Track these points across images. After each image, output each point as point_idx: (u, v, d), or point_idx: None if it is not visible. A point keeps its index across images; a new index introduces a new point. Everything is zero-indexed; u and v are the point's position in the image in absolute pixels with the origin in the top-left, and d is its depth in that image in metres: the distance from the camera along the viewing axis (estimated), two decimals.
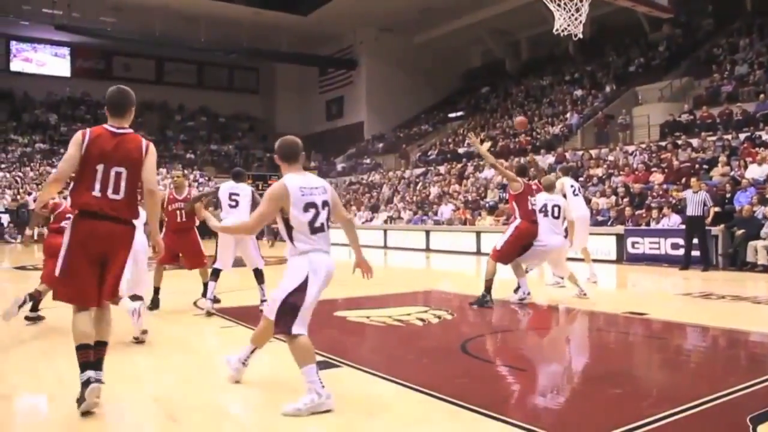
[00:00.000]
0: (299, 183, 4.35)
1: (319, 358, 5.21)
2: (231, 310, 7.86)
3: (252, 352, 4.74)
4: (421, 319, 7.22)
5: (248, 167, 40.99)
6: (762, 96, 20.13)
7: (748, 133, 18.44)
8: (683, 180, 16.48)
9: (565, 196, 10.69)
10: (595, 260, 15.09)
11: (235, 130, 45.80)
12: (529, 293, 8.63)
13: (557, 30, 7.78)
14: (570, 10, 7.65)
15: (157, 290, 8.19)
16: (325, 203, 4.39)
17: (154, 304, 8.09)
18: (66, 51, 43.04)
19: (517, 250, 8.47)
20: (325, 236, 4.40)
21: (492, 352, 6.13)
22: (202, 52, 40.65)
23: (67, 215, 6.88)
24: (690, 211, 13.43)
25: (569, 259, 12.38)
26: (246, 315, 7.35)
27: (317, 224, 4.33)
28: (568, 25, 7.67)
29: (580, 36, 7.97)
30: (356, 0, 34.46)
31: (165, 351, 5.90)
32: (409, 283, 11.59)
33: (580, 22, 7.73)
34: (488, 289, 8.31)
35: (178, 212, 8.30)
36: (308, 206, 4.31)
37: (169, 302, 8.36)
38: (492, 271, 8.39)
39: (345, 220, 4.78)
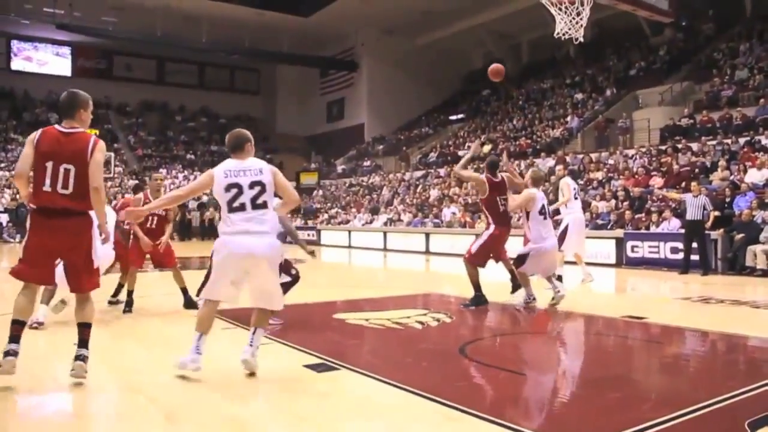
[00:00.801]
0: (226, 166, 4.82)
1: (317, 361, 5.24)
2: (231, 312, 7.84)
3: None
4: (420, 322, 7.21)
5: None
6: (762, 101, 20.15)
7: (748, 138, 18.47)
8: (683, 184, 16.49)
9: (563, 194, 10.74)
10: (594, 264, 15.19)
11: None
12: (534, 298, 8.44)
13: (558, 34, 7.78)
14: (571, 14, 7.65)
15: (130, 293, 7.96)
16: (254, 183, 4.72)
17: (129, 306, 7.90)
18: (67, 50, 43.09)
19: (491, 252, 8.36)
20: (249, 215, 4.70)
21: (491, 355, 6.12)
22: (204, 52, 40.75)
23: None
24: (690, 215, 13.43)
25: (567, 262, 12.42)
26: (246, 317, 7.32)
27: (236, 204, 4.70)
28: (569, 29, 7.67)
29: (581, 40, 7.95)
30: (358, 2, 34.50)
31: (163, 351, 5.89)
32: (409, 285, 11.59)
33: (581, 26, 7.73)
34: (477, 287, 8.28)
35: (150, 217, 8.02)
36: (230, 186, 4.73)
37: (169, 303, 8.36)
38: (473, 272, 8.33)
39: (292, 200, 5.07)
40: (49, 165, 4.50)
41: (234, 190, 4.73)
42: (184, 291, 8.10)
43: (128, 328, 7.11)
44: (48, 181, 4.49)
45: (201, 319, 4.88)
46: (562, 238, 10.58)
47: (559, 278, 10.52)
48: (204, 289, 4.94)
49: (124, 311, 7.85)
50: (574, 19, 7.67)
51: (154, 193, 8.18)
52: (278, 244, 4.91)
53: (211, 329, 4.92)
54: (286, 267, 7.03)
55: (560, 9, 7.65)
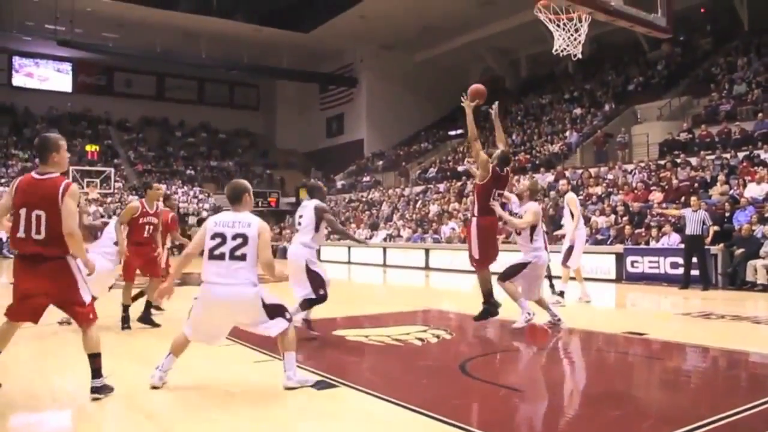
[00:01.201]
0: (219, 218, 5.11)
1: (317, 378, 5.21)
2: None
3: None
4: (420, 339, 7.19)
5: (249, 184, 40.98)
6: (760, 115, 20.21)
7: (747, 152, 18.49)
8: (682, 198, 16.49)
9: (572, 213, 10.63)
10: (594, 279, 15.18)
11: (235, 146, 45.94)
12: (533, 314, 7.83)
13: (556, 50, 7.79)
14: (569, 31, 7.67)
15: (126, 308, 7.93)
16: (237, 235, 4.90)
17: (126, 323, 7.85)
18: (68, 66, 43.32)
19: (492, 245, 7.87)
20: (224, 265, 4.86)
21: (491, 372, 6.09)
22: (203, 68, 40.93)
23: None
24: (689, 230, 13.42)
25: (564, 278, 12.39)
26: (245, 334, 7.27)
27: (217, 252, 4.89)
28: (567, 46, 7.69)
29: (579, 56, 7.97)
30: (357, 18, 34.69)
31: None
32: (409, 301, 11.55)
33: (579, 42, 7.74)
34: (489, 295, 7.77)
35: (147, 226, 8.07)
36: (215, 236, 4.94)
37: (166, 319, 8.32)
38: (486, 278, 7.79)
39: (263, 262, 5.01)
40: (23, 212, 4.60)
41: (217, 239, 4.92)
42: (149, 304, 8.09)
43: (125, 344, 7.08)
44: (22, 228, 4.60)
45: (175, 343, 5.10)
46: (568, 255, 10.56)
47: (561, 294, 10.52)
48: (185, 326, 5.08)
49: (123, 328, 7.80)
50: (572, 35, 7.68)
51: (151, 203, 8.23)
52: (251, 292, 4.89)
53: (181, 353, 5.10)
54: (316, 284, 6.95)
55: (558, 26, 7.67)
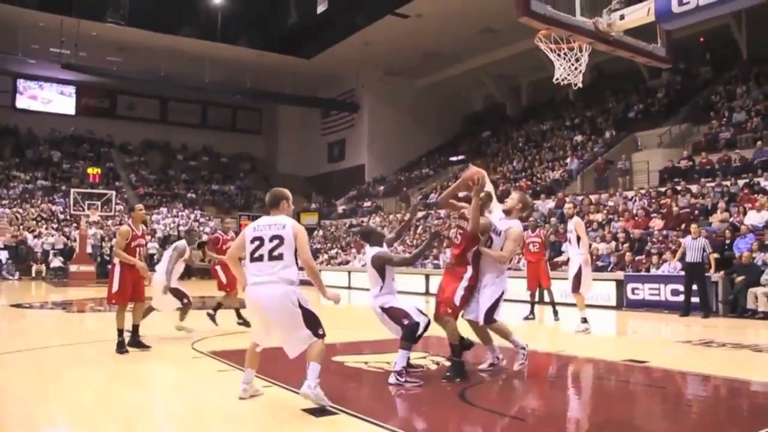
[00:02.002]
0: (257, 222, 5.37)
1: (315, 405, 5.17)
2: (228, 353, 7.78)
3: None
4: (420, 365, 7.15)
5: (249, 208, 41.13)
6: (759, 143, 20.27)
7: (747, 180, 18.51)
8: (683, 226, 16.49)
9: (578, 238, 10.52)
10: (595, 306, 15.13)
11: (237, 170, 46.07)
12: (501, 358, 7.00)
13: (557, 79, 7.84)
14: (570, 60, 7.73)
15: (120, 332, 7.92)
16: (274, 237, 5.17)
17: (120, 347, 7.85)
18: (72, 89, 43.60)
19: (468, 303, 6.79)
20: (263, 265, 5.15)
21: (491, 400, 6.05)
22: (206, 92, 41.15)
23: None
24: (689, 257, 13.40)
25: (566, 304, 12.35)
26: (244, 358, 7.23)
27: (256, 254, 5.18)
28: (568, 75, 7.74)
29: (580, 85, 8.03)
30: (360, 44, 34.98)
31: (158, 392, 5.83)
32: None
33: (580, 72, 7.80)
34: (461, 349, 6.67)
35: (138, 249, 8.15)
36: (254, 239, 5.23)
37: (167, 343, 8.30)
38: (454, 328, 6.67)
39: (303, 260, 5.27)
40: None
41: (256, 242, 5.21)
42: (136, 328, 8.18)
43: (125, 369, 7.05)
44: None
45: (247, 356, 5.50)
46: (577, 282, 10.43)
47: (584, 320, 10.43)
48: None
49: (120, 352, 7.78)
50: (572, 65, 7.74)
51: (137, 225, 8.34)
52: (288, 290, 5.09)
53: (257, 365, 5.44)
54: (401, 318, 6.44)
55: (559, 55, 7.73)
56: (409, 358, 6.47)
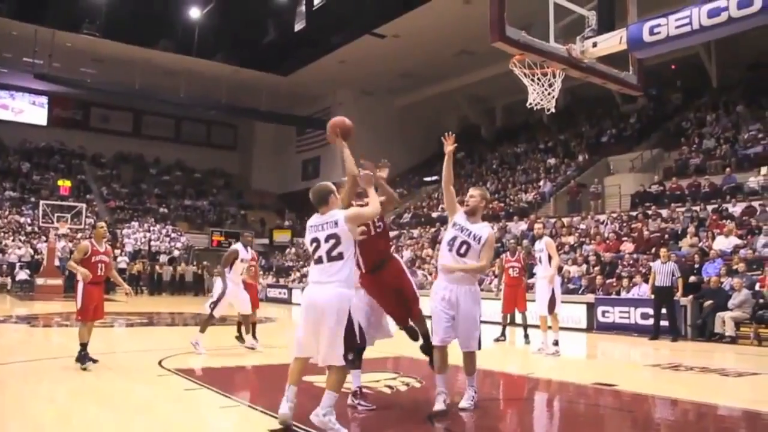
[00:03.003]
0: (311, 222, 5.20)
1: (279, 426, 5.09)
2: (195, 371, 7.67)
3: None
4: (390, 387, 7.11)
5: (222, 224, 40.85)
6: (728, 170, 20.63)
7: (716, 206, 18.81)
8: (653, 249, 16.67)
9: (550, 258, 10.55)
10: (565, 328, 15.19)
11: (210, 185, 45.75)
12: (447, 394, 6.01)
13: (530, 104, 7.92)
14: (543, 85, 7.81)
15: (84, 346, 7.93)
16: (329, 237, 5.00)
17: (82, 360, 7.87)
18: (44, 100, 43.03)
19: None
20: (324, 267, 5.00)
21: (460, 423, 6.01)
22: (181, 107, 40.82)
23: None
24: (659, 281, 13.55)
25: (532, 325, 12.38)
26: (212, 377, 7.16)
27: (316, 256, 5.05)
28: (542, 100, 7.82)
29: (553, 110, 8.11)
30: (336, 63, 35.08)
31: (122, 411, 5.71)
32: (379, 348, 11.43)
33: (553, 97, 7.88)
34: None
35: (99, 265, 8.13)
36: (312, 241, 5.09)
37: (134, 360, 8.17)
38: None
39: (385, 198, 5.49)
40: None
41: (314, 244, 5.08)
42: (84, 346, 8.05)
43: (91, 386, 6.91)
44: None
45: (290, 372, 5.23)
46: (552, 303, 10.45)
47: (556, 342, 10.45)
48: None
49: (83, 362, 7.81)
50: (546, 90, 7.82)
51: (99, 240, 8.30)
52: (345, 293, 4.94)
53: (299, 380, 5.22)
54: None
55: (533, 80, 7.81)
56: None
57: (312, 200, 5.24)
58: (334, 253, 4.97)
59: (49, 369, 8.07)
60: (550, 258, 10.49)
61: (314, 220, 5.19)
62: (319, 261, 5.03)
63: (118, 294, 21.37)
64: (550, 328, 10.70)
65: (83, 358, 7.86)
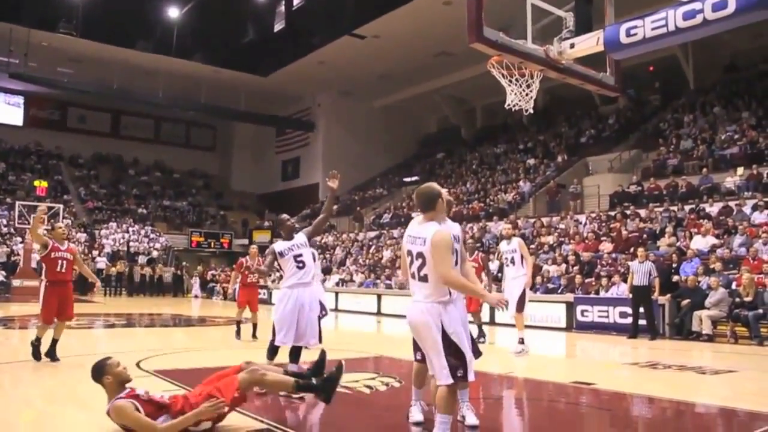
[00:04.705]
0: (410, 231, 4.60)
1: (259, 426, 5.07)
2: (174, 372, 7.60)
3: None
4: (369, 386, 7.10)
5: (201, 224, 40.64)
6: (705, 170, 20.86)
7: (693, 206, 19.01)
8: (632, 249, 16.81)
9: (522, 258, 10.56)
10: (544, 327, 15.30)
11: (189, 186, 45.50)
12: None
13: (509, 105, 7.95)
14: (521, 86, 7.85)
15: (38, 339, 8.23)
16: (418, 255, 4.45)
17: (35, 352, 8.18)
18: (20, 99, 42.59)
19: None
20: (414, 285, 4.53)
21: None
22: (160, 107, 40.58)
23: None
24: (636, 281, 13.65)
25: (509, 324, 12.43)
26: (190, 378, 7.06)
27: (411, 270, 4.53)
28: (520, 101, 7.86)
29: (531, 111, 8.15)
30: (316, 64, 35.01)
31: (99, 413, 5.64)
32: (359, 347, 11.43)
33: (531, 98, 7.92)
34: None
35: (60, 261, 8.27)
36: (408, 252, 4.56)
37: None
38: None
39: (438, 278, 4.42)
40: None
41: (409, 258, 4.55)
42: (54, 342, 8.27)
43: (68, 388, 6.83)
44: None
45: (414, 376, 5.25)
46: (522, 301, 10.48)
47: (522, 341, 10.48)
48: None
49: (36, 358, 8.08)
50: (524, 91, 7.86)
51: (61, 241, 8.50)
52: (434, 310, 4.42)
53: (424, 383, 5.13)
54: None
55: (510, 81, 7.84)
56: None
57: (417, 203, 4.67)
58: (422, 273, 4.46)
59: (25, 371, 7.97)
60: (522, 258, 10.51)
61: (410, 230, 4.61)
62: (413, 277, 4.54)
63: (96, 296, 21.19)
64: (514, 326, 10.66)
65: (35, 350, 8.16)
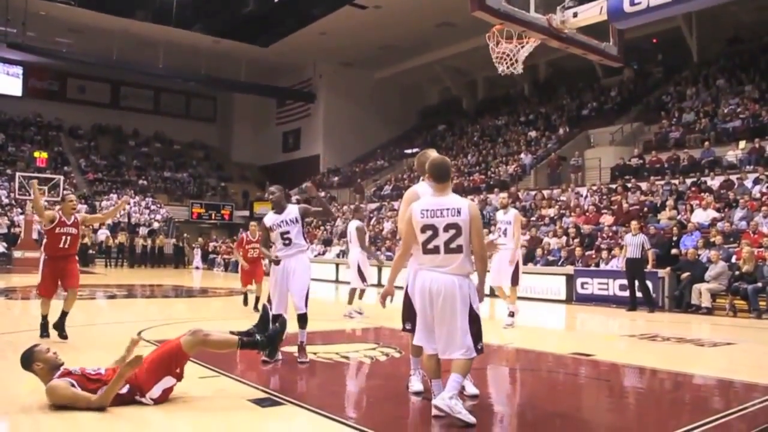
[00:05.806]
0: (424, 206, 4.53)
1: (262, 395, 5.11)
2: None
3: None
4: (369, 357, 7.14)
5: (202, 196, 40.60)
6: (707, 143, 20.79)
7: (694, 179, 18.97)
8: (632, 222, 16.79)
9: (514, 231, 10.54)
10: (545, 300, 15.35)
11: (189, 157, 45.38)
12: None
13: (503, 71, 7.94)
14: (512, 57, 7.85)
15: (44, 317, 8.07)
16: (450, 226, 4.39)
17: (43, 330, 8.00)
18: (19, 70, 42.30)
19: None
20: (439, 259, 4.44)
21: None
22: (160, 78, 40.36)
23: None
24: (629, 253, 13.66)
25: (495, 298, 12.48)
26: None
27: (430, 246, 4.45)
28: (508, 66, 7.89)
29: (520, 71, 8.11)
30: (317, 34, 34.74)
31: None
32: (360, 318, 11.50)
33: (517, 60, 7.91)
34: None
35: (64, 237, 8.02)
36: (425, 228, 4.45)
37: (113, 332, 8.11)
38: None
39: (476, 253, 4.51)
40: None
41: (429, 232, 4.44)
42: (64, 314, 8.01)
43: (69, 357, 6.82)
44: None
45: (425, 369, 4.93)
46: (516, 274, 10.42)
47: (512, 314, 10.49)
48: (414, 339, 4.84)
49: (42, 336, 7.84)
50: (512, 51, 7.87)
51: (68, 214, 8.18)
52: (465, 284, 4.47)
53: (439, 373, 4.73)
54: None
55: (498, 58, 7.86)
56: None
57: (432, 173, 4.60)
58: (453, 245, 4.40)
59: (28, 341, 7.98)
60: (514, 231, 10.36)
61: (429, 204, 4.53)
62: (434, 251, 4.45)
63: (97, 267, 21.25)
64: (508, 297, 10.59)
65: (42, 327, 7.97)
